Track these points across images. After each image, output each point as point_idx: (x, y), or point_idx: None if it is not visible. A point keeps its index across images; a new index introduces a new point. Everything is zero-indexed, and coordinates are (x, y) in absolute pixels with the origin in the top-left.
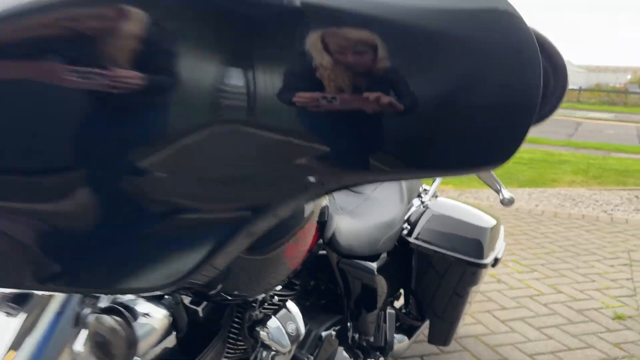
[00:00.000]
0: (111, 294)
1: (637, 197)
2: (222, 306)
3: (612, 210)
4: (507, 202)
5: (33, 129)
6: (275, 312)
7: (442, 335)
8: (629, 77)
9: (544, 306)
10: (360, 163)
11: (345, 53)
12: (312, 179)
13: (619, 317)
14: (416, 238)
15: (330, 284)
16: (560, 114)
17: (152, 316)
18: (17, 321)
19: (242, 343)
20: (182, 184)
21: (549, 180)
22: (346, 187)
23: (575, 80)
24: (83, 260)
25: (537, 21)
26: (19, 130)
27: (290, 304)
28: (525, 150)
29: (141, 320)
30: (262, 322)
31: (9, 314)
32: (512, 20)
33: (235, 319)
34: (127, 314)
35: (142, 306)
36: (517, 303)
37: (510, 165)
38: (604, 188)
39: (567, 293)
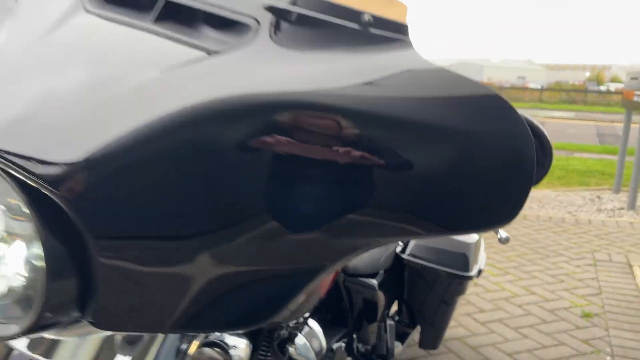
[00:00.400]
0: (226, 331)
1: (598, 197)
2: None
3: (576, 211)
4: (504, 241)
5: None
6: (300, 330)
7: (432, 340)
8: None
9: (518, 307)
10: (403, 230)
11: (381, 152)
12: (360, 242)
13: (586, 315)
14: (409, 254)
15: (336, 300)
16: (526, 114)
17: (238, 346)
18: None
19: (271, 358)
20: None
21: None
22: (384, 243)
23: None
24: (216, 305)
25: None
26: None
27: (312, 322)
28: None
29: (232, 350)
30: (290, 339)
31: (125, 353)
32: (509, 113)
33: (266, 338)
34: (224, 345)
35: (230, 339)
36: (494, 305)
37: None
38: (568, 189)
39: (539, 294)
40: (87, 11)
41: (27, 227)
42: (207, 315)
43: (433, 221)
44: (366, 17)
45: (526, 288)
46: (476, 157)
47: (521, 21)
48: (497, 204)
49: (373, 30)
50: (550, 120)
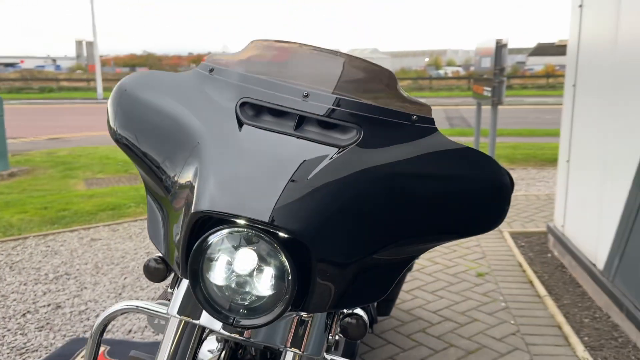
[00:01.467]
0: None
1: None
2: None
3: None
4: None
5: None
6: None
7: (387, 308)
8: (426, 60)
9: (429, 275)
10: (439, 238)
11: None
12: (421, 248)
13: (480, 275)
14: None
15: None
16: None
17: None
18: None
19: None
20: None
21: None
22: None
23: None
24: (354, 289)
25: (338, 7)
26: None
27: None
28: None
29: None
30: None
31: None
32: (495, 165)
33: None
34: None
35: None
36: (412, 276)
37: None
38: None
39: (441, 263)
40: (242, 123)
41: (277, 261)
42: (349, 296)
43: (457, 233)
44: (414, 117)
45: (430, 259)
46: (478, 194)
47: (362, 9)
48: (493, 220)
49: (417, 124)
50: None
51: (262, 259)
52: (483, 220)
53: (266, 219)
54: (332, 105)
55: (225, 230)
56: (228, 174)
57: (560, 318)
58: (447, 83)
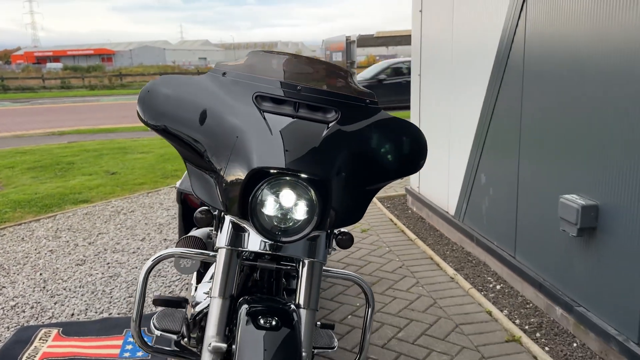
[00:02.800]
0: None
1: None
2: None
3: None
4: None
5: None
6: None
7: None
8: None
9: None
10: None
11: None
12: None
13: (364, 231)
14: None
15: None
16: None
17: None
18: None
19: None
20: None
21: None
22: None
23: (217, 59)
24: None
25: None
26: None
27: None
28: None
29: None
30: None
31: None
32: (417, 129)
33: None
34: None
35: None
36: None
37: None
38: None
39: None
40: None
41: (308, 196)
42: (344, 219)
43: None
44: (367, 101)
45: None
46: (410, 148)
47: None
48: (419, 165)
49: (370, 106)
50: None
51: (298, 196)
52: (414, 165)
53: (300, 170)
54: (318, 95)
55: (275, 179)
56: (268, 143)
57: (430, 252)
58: None
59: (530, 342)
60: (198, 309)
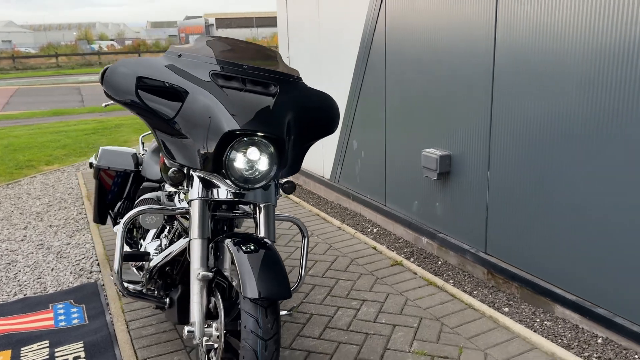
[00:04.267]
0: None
1: None
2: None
3: None
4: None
5: None
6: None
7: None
8: (75, 33)
9: None
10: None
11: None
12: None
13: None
14: None
15: None
16: (55, 82)
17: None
18: None
19: None
20: None
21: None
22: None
23: (24, 42)
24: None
25: None
26: None
27: None
28: (83, 122)
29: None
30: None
31: None
32: (332, 99)
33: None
34: None
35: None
36: None
37: (90, 138)
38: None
39: None
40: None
41: (269, 151)
42: (290, 169)
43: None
44: (296, 76)
45: None
46: (327, 113)
47: None
48: (335, 127)
49: (297, 80)
50: (83, 85)
51: (261, 152)
52: (332, 126)
53: (261, 130)
54: (262, 72)
55: (245, 138)
56: (234, 111)
57: (316, 210)
58: (108, 58)
59: (409, 264)
60: (153, 263)
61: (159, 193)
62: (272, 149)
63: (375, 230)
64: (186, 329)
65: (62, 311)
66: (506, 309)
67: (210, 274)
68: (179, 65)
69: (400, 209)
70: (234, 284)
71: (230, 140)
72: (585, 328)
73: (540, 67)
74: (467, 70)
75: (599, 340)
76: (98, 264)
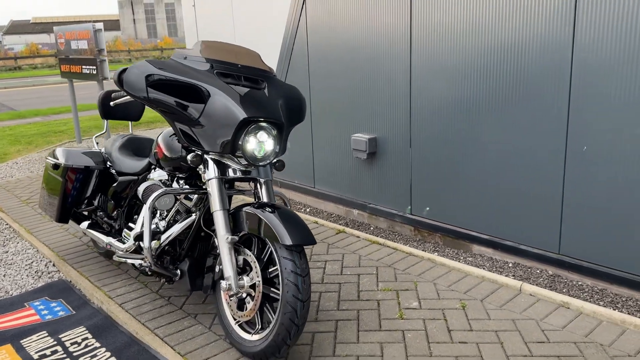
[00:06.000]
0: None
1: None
2: None
3: None
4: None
5: None
6: None
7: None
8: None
9: None
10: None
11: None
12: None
13: None
14: None
15: None
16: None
17: None
18: None
19: None
20: None
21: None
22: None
23: None
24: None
25: None
26: None
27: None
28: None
29: None
30: None
31: None
32: (299, 91)
33: None
34: None
35: None
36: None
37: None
38: (40, 150)
39: None
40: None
41: (273, 135)
42: (282, 149)
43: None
44: (274, 73)
45: None
46: (298, 103)
47: None
48: (304, 116)
49: (274, 76)
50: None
51: (268, 135)
52: (303, 114)
53: (268, 117)
54: (254, 70)
55: (254, 125)
56: (242, 102)
57: (249, 199)
58: None
59: (351, 230)
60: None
61: (155, 180)
62: (275, 132)
63: (308, 210)
64: (223, 283)
65: (42, 307)
66: (436, 254)
67: (236, 237)
68: (187, 65)
69: (330, 189)
70: (266, 240)
71: (243, 127)
72: (498, 258)
73: (448, 60)
74: (389, 67)
75: (510, 264)
76: (54, 265)
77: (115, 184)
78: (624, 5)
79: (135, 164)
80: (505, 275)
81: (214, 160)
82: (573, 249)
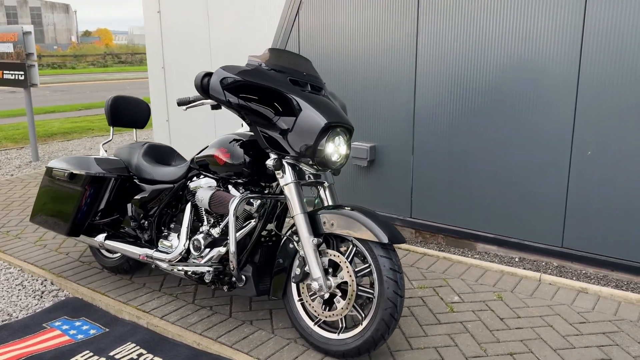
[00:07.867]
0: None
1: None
2: None
3: (9, 172)
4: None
5: None
6: None
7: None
8: None
9: None
10: None
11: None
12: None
13: None
14: None
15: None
16: None
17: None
18: None
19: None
20: None
21: None
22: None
23: None
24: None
25: None
26: None
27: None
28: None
29: None
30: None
31: None
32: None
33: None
34: None
35: None
36: None
37: None
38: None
39: None
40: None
41: (347, 138)
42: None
43: None
44: (324, 82)
45: None
46: (344, 112)
47: None
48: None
49: (323, 83)
50: None
51: (344, 139)
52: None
53: (343, 123)
54: (317, 78)
55: (332, 130)
56: (320, 108)
57: None
58: None
59: None
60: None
61: (213, 186)
62: (347, 136)
63: None
64: (314, 283)
65: (66, 327)
66: (448, 253)
67: (321, 239)
68: (265, 72)
69: None
70: (353, 240)
71: (323, 132)
72: (503, 254)
73: (458, 73)
74: (392, 76)
75: (517, 259)
76: (52, 283)
77: (144, 193)
78: (628, 19)
79: (171, 171)
80: (516, 267)
81: (290, 165)
82: (576, 242)
